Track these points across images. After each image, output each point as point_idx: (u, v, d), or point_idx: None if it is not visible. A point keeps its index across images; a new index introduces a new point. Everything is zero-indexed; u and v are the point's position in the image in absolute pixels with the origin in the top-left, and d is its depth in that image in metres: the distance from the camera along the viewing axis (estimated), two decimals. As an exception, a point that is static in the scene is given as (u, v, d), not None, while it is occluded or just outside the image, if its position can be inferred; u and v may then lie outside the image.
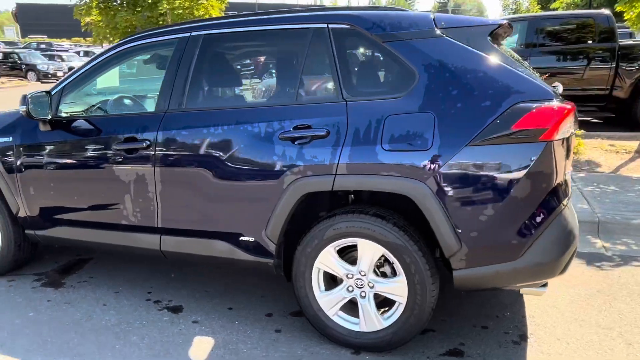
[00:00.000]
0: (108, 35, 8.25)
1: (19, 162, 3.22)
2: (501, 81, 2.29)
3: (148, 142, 2.82)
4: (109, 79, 4.13)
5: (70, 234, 3.23)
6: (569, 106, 2.28)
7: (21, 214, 3.33)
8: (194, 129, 2.74)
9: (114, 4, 7.92)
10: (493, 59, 2.34)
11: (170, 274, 3.55)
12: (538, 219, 2.28)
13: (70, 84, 3.19)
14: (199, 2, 8.11)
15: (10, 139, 3.26)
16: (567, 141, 2.37)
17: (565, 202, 2.37)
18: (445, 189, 2.29)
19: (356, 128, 2.42)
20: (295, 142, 2.51)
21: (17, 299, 3.24)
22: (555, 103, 2.24)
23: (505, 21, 2.51)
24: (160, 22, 8.00)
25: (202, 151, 2.70)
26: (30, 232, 3.37)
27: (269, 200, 2.58)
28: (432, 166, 2.28)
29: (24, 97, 2.95)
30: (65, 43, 43.93)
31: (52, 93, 3.14)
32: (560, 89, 2.82)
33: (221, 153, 2.66)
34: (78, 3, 8.29)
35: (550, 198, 2.29)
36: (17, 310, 3.09)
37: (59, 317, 3.01)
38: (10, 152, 3.25)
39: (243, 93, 3.14)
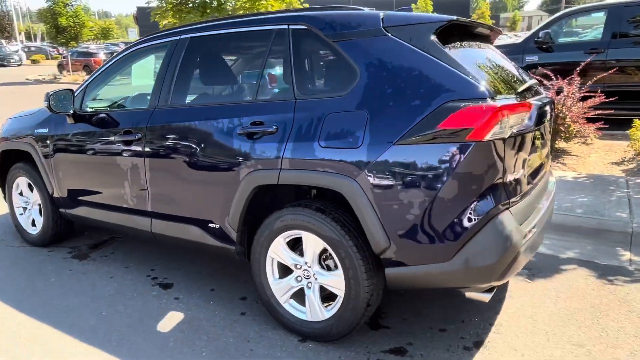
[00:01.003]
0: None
1: (51, 150, 3.77)
2: (434, 80, 2.26)
3: (139, 135, 3.16)
4: (146, 77, 4.59)
5: (88, 214, 3.71)
6: (505, 104, 2.17)
7: (55, 194, 3.89)
8: (173, 123, 3.03)
9: (187, 6, 8.62)
10: (431, 58, 2.29)
11: (178, 257, 3.90)
12: (468, 222, 2.21)
13: (92, 83, 3.66)
14: (260, 2, 8.55)
15: (47, 129, 3.82)
16: (513, 141, 2.26)
17: (506, 204, 2.26)
18: (373, 186, 2.31)
19: (300, 125, 2.52)
20: (250, 138, 2.68)
21: (47, 266, 3.80)
22: (486, 102, 2.15)
23: (456, 18, 2.44)
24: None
25: (179, 143, 2.98)
26: (62, 211, 3.92)
27: (229, 190, 2.78)
28: (361, 163, 2.32)
29: (47, 94, 3.45)
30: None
31: (78, 91, 3.63)
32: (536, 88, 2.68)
33: (193, 146, 2.91)
34: (155, 6, 9.17)
35: (482, 200, 2.21)
36: (43, 275, 3.63)
37: (71, 284, 3.49)
38: (47, 141, 3.81)
39: (215, 91, 3.36)
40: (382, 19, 2.47)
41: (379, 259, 2.43)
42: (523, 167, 2.42)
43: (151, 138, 3.11)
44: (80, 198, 3.73)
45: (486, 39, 3.10)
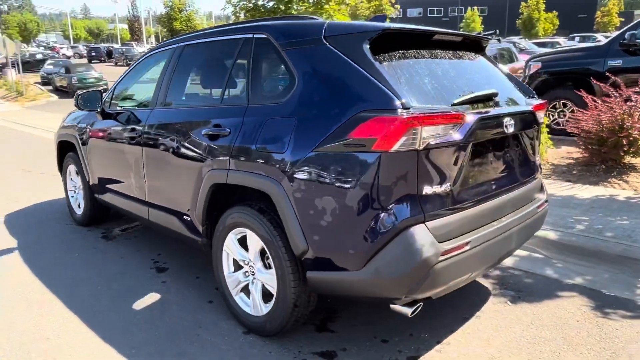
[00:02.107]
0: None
1: (86, 141, 4.33)
2: (354, 89, 2.27)
3: (140, 132, 3.54)
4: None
5: (111, 200, 4.20)
6: (414, 116, 2.11)
7: (90, 181, 4.46)
8: (161, 123, 3.36)
9: (259, 12, 9.12)
10: (356, 67, 2.30)
11: (186, 245, 4.25)
12: (376, 232, 2.20)
13: (119, 85, 4.14)
14: (322, 7, 8.75)
15: (85, 124, 4.39)
16: (433, 153, 2.20)
17: (420, 218, 2.20)
18: (294, 190, 2.39)
19: (246, 129, 2.68)
20: (211, 139, 2.89)
21: (78, 243, 4.38)
22: (394, 113, 2.11)
23: (389, 25, 2.41)
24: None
25: (164, 141, 3.30)
26: (96, 196, 4.48)
27: (196, 186, 3.02)
28: (285, 168, 2.41)
29: (76, 94, 3.98)
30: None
31: (108, 92, 4.14)
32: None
33: (174, 143, 3.20)
34: (230, 14, 9.84)
35: (392, 212, 2.18)
36: (71, 250, 4.19)
37: (89, 260, 3.99)
38: (83, 134, 4.38)
39: (194, 94, 3.60)
40: (325, 28, 2.52)
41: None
42: (455, 180, 2.32)
43: (147, 135, 3.47)
44: (105, 185, 4.24)
45: (471, 46, 2.98)
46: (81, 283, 3.56)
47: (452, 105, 2.35)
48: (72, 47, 51.39)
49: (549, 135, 6.52)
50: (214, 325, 2.96)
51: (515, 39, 32.28)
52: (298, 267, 2.51)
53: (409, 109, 2.14)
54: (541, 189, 3.18)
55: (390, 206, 2.18)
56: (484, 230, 2.49)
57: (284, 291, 2.56)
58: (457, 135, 2.27)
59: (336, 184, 2.26)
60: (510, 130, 2.60)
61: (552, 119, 8.05)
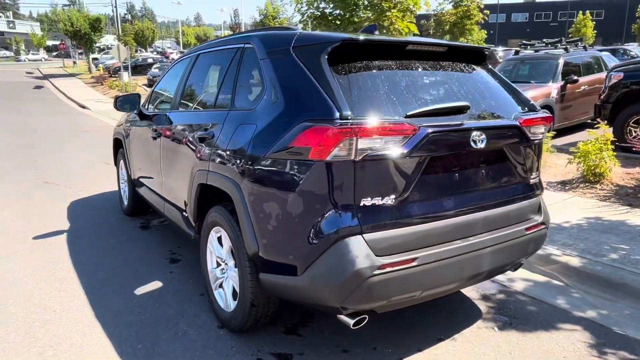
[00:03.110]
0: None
1: (129, 139, 4.79)
2: (303, 99, 2.32)
3: (159, 132, 3.86)
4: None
5: (144, 193, 4.61)
6: (348, 126, 2.10)
7: (132, 175, 4.92)
8: (171, 125, 3.64)
9: (326, 19, 9.32)
10: (309, 77, 2.33)
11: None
12: (313, 240, 2.22)
13: (155, 88, 4.53)
14: (385, 14, 8.66)
15: (129, 124, 4.86)
16: (373, 164, 2.17)
17: (357, 229, 2.18)
18: (248, 194, 2.49)
19: (223, 134, 2.83)
20: (201, 141, 3.09)
21: (117, 230, 4.84)
22: (329, 124, 2.12)
23: (350, 36, 2.41)
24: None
25: (171, 142, 3.58)
26: (136, 189, 4.93)
27: (189, 185, 3.24)
28: (243, 172, 2.53)
29: (116, 97, 4.42)
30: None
31: (147, 94, 4.55)
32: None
33: (177, 144, 3.47)
34: (299, 22, 10.17)
35: (328, 221, 2.19)
36: (109, 237, 4.66)
37: (119, 247, 4.41)
38: (128, 133, 4.85)
39: (198, 99, 3.79)
40: (295, 39, 2.59)
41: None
42: (401, 193, 2.26)
43: (163, 135, 3.77)
44: (140, 180, 4.66)
45: (466, 56, 2.88)
46: (102, 266, 3.95)
47: (405, 117, 2.30)
48: (181, 52, 55.96)
49: (614, 153, 5.91)
50: (194, 316, 3.15)
51: (631, 45, 29.19)
52: (255, 268, 2.60)
53: (347, 119, 2.14)
54: (538, 210, 2.94)
55: (326, 215, 2.19)
56: (440, 248, 2.38)
57: (243, 290, 2.67)
58: (401, 148, 2.21)
59: (279, 190, 2.33)
60: (481, 145, 2.46)
61: (633, 135, 7.26)
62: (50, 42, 63.28)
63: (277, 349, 2.77)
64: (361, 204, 2.20)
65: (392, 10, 8.43)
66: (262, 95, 2.62)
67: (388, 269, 2.22)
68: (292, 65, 2.48)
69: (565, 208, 5.04)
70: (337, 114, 2.15)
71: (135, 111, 4.47)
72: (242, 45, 3.05)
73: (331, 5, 9.13)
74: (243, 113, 2.76)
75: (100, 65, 35.27)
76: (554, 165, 6.83)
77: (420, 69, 2.63)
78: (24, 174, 7.47)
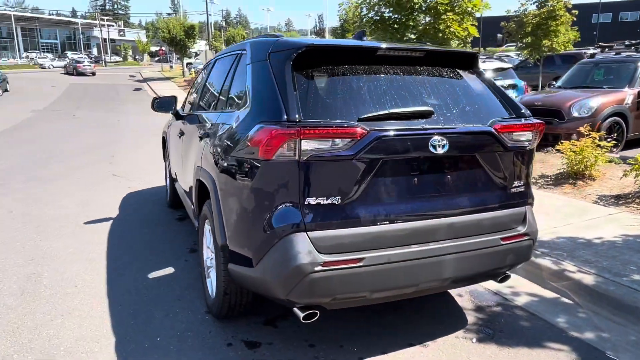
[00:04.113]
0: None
1: (168, 138, 5.24)
2: (264, 102, 2.47)
3: (182, 131, 4.22)
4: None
5: (177, 187, 5.01)
6: (290, 129, 2.22)
7: (170, 171, 5.37)
8: (191, 125, 3.95)
9: (383, 24, 9.32)
10: (272, 82, 2.46)
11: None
12: (262, 234, 2.36)
13: (190, 92, 4.92)
14: (441, 17, 8.41)
15: (170, 124, 5.30)
16: (318, 165, 2.26)
17: (301, 226, 2.28)
18: (219, 189, 2.69)
19: (213, 134, 3.06)
20: (200, 140, 3.35)
21: (156, 221, 5.30)
22: (276, 125, 2.25)
23: (313, 42, 2.50)
24: (411, 36, 8.86)
25: (186, 140, 3.89)
26: (174, 183, 5.37)
27: (192, 180, 3.53)
28: (218, 168, 2.73)
29: (153, 99, 4.85)
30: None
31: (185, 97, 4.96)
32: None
33: (188, 142, 3.78)
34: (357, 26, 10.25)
35: (275, 217, 2.31)
36: (145, 227, 5.11)
37: (151, 235, 4.83)
38: (168, 132, 5.30)
39: (205, 102, 4.02)
40: (272, 45, 2.74)
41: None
42: (348, 194, 2.32)
43: (184, 135, 4.12)
44: (173, 175, 5.07)
45: (449, 61, 2.87)
46: (129, 252, 4.38)
47: (358, 120, 2.36)
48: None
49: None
50: (190, 301, 3.42)
51: None
52: (225, 258, 2.79)
53: (293, 121, 2.25)
54: (523, 220, 2.82)
55: (274, 212, 2.32)
56: (392, 251, 2.41)
57: (218, 278, 2.87)
58: (348, 150, 2.28)
59: (239, 187, 2.50)
60: (441, 150, 2.44)
61: None
62: (153, 48, 68.89)
63: (250, 337, 2.94)
64: (306, 203, 2.30)
65: (448, 14, 8.24)
66: (244, 98, 2.81)
67: (331, 267, 2.30)
68: (264, 71, 2.64)
69: (605, 223, 4.66)
70: (285, 117, 2.27)
71: (172, 112, 4.88)
72: (240, 51, 3.26)
73: (390, 10, 9.15)
74: (229, 114, 2.97)
75: (193, 69, 37.80)
76: (614, 178, 6.30)
77: (390, 74, 2.66)
78: (99, 167, 8.35)
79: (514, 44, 19.52)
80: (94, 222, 5.24)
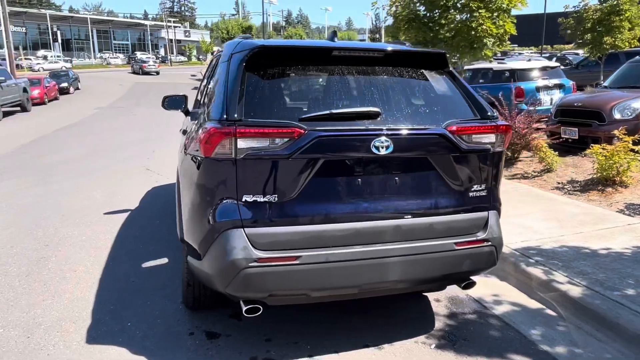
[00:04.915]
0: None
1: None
2: (215, 102, 2.56)
3: (186, 130, 4.41)
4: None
5: (186, 182, 5.24)
6: (225, 128, 2.29)
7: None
8: (186, 122, 4.13)
9: (415, 23, 9.12)
10: (225, 82, 2.55)
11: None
12: (205, 229, 2.46)
13: (199, 90, 5.12)
14: (473, 14, 8.07)
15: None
16: (254, 163, 2.33)
17: (237, 222, 2.35)
18: (179, 183, 2.82)
19: (185, 129, 3.20)
20: (183, 134, 3.51)
21: (170, 214, 5.56)
22: (215, 125, 2.33)
23: (264, 43, 2.56)
24: (441, 35, 8.58)
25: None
26: (187, 178, 5.61)
27: None
28: (181, 164, 2.87)
29: (164, 97, 5.08)
30: (526, 51, 46.01)
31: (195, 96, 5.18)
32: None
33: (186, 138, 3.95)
34: (390, 25, 10.04)
35: (216, 213, 2.40)
36: (158, 219, 5.38)
37: (158, 227, 5.08)
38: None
39: (202, 99, 4.12)
40: (235, 46, 2.84)
41: None
42: (285, 193, 2.36)
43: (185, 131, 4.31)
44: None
45: (416, 61, 2.83)
46: (135, 241, 4.64)
47: (299, 120, 2.39)
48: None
49: None
50: (171, 291, 3.58)
51: None
52: (185, 251, 2.91)
53: (232, 121, 2.33)
54: (484, 225, 2.72)
55: (215, 208, 2.41)
56: (331, 250, 2.42)
57: (182, 271, 3.01)
58: (285, 150, 2.32)
59: (189, 182, 2.62)
60: (385, 152, 2.42)
61: None
62: (216, 48, 71.48)
63: (213, 328, 3.05)
64: (243, 200, 2.37)
65: (480, 11, 7.94)
66: (211, 96, 2.92)
67: (266, 263, 2.35)
68: (224, 71, 2.74)
69: (620, 233, 4.36)
70: (225, 116, 2.35)
71: (182, 110, 5.10)
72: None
73: (423, 8, 8.96)
74: (198, 113, 3.10)
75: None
76: (651, 185, 5.85)
77: (344, 75, 2.66)
78: (137, 161, 8.83)
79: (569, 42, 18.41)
80: (113, 213, 5.58)
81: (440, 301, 3.45)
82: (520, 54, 38.83)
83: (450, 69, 2.92)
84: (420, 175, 2.58)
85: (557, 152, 6.97)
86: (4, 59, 25.55)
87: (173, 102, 4.79)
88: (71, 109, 19.19)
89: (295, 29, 69.26)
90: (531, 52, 42.46)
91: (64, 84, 25.43)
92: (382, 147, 2.42)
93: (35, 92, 20.10)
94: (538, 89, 10.41)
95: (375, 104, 2.58)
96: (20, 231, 4.92)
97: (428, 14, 9.10)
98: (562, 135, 7.92)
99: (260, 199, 2.37)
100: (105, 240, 4.64)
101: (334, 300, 3.17)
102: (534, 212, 5.04)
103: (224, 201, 2.39)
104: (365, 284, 2.55)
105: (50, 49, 54.26)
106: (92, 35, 64.14)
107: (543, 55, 32.65)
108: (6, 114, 16.41)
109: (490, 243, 2.71)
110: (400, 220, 2.53)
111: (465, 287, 2.88)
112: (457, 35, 8.51)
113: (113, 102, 22.02)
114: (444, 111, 2.70)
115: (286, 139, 2.33)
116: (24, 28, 56.56)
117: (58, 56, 50.62)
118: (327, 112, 2.44)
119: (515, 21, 8.56)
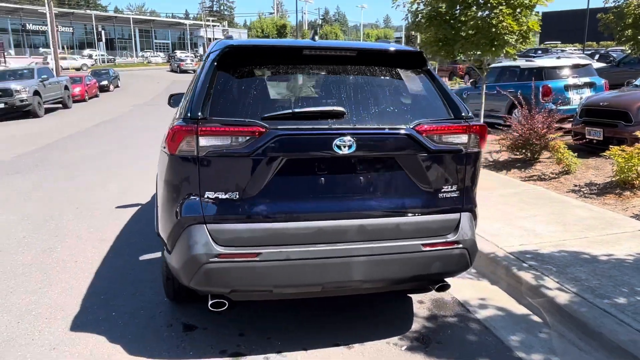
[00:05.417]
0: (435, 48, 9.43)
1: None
2: (186, 101, 2.62)
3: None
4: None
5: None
6: (187, 126, 2.35)
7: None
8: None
9: (441, 20, 8.93)
10: (199, 80, 2.58)
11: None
12: (172, 223, 2.52)
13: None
14: (494, 11, 7.79)
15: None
16: (217, 161, 2.37)
17: (200, 218, 2.41)
18: (157, 178, 2.90)
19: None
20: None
21: (177, 208, 5.72)
22: (179, 123, 2.39)
23: (232, 43, 2.59)
24: (462, 32, 8.36)
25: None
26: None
27: None
28: (159, 160, 2.95)
29: (170, 95, 5.22)
30: (570, 48, 44.26)
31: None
32: None
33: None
34: (410, 22, 9.86)
35: (182, 208, 2.46)
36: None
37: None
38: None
39: None
40: (213, 45, 2.89)
41: None
42: (246, 190, 2.40)
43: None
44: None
45: (391, 60, 2.81)
46: (137, 235, 4.80)
47: (262, 119, 2.42)
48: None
49: None
50: (160, 284, 3.67)
51: None
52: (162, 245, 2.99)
53: (195, 119, 2.38)
54: (455, 227, 2.67)
55: (181, 203, 2.47)
56: (293, 248, 2.44)
57: (162, 264, 3.10)
58: (246, 148, 2.35)
59: (160, 178, 2.69)
60: (347, 151, 2.41)
61: None
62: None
63: (192, 320, 3.13)
64: (206, 196, 2.42)
65: (501, 7, 7.69)
66: (187, 94, 3.00)
67: (227, 259, 2.40)
68: (199, 70, 2.80)
69: (627, 239, 4.17)
70: (189, 114, 2.41)
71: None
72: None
73: (444, 5, 8.77)
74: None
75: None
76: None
77: (314, 74, 2.68)
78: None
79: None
80: (124, 206, 5.79)
81: (423, 303, 3.41)
82: (562, 50, 37.41)
83: (429, 67, 2.87)
84: (387, 175, 2.56)
85: (576, 154, 6.71)
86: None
87: (177, 100, 4.92)
88: (109, 106, 19.92)
89: (331, 27, 69.31)
90: (575, 49, 40.81)
91: (104, 82, 26.41)
92: (344, 147, 2.42)
93: (77, 90, 21.02)
94: (567, 88, 10.03)
95: (342, 103, 2.57)
96: (35, 222, 5.18)
97: (450, 11, 8.92)
98: (587, 136, 7.62)
99: (222, 196, 2.42)
100: (111, 233, 4.82)
101: (312, 298, 3.22)
102: (540, 214, 4.88)
103: (189, 197, 2.45)
104: (328, 283, 2.55)
105: (95, 48, 56.44)
106: (135, 35, 66.27)
107: (586, 52, 31.29)
108: (48, 110, 17.21)
109: (461, 245, 2.65)
110: (365, 220, 2.52)
111: (439, 290, 2.84)
112: (478, 33, 8.29)
113: (149, 100, 22.67)
114: (416, 111, 2.67)
115: (247, 138, 2.37)
116: (71, 28, 59.19)
117: (102, 54, 52.60)
118: (290, 111, 2.46)
119: (539, 17, 8.27)
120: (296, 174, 2.46)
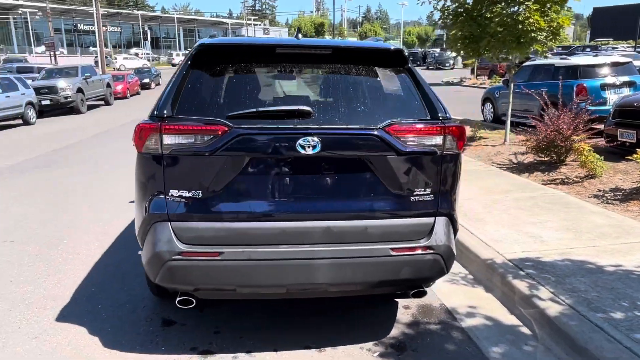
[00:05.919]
0: (459, 46, 9.13)
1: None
2: (157, 98, 2.63)
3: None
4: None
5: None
6: (152, 124, 2.36)
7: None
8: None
9: (468, 17, 8.64)
10: (175, 78, 2.60)
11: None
12: (142, 222, 2.55)
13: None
14: (520, 7, 7.40)
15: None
16: (180, 159, 2.38)
17: (164, 216, 2.42)
18: (135, 177, 2.94)
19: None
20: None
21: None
22: (145, 121, 2.41)
23: (205, 41, 2.59)
24: (489, 29, 8.05)
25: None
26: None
27: None
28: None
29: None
30: (622, 45, 42.05)
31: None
32: None
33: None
34: (433, 19, 9.60)
35: (149, 205, 2.48)
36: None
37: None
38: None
39: None
40: (197, 45, 2.90)
41: None
42: (209, 189, 2.39)
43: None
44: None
45: (372, 58, 2.74)
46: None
47: (227, 117, 2.41)
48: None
49: None
50: (153, 278, 3.77)
51: None
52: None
53: (161, 117, 2.40)
54: (429, 232, 2.57)
55: (149, 201, 2.50)
56: (255, 248, 2.42)
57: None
58: (210, 146, 2.35)
59: (134, 175, 2.72)
60: (311, 151, 2.36)
61: None
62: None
63: (172, 316, 3.17)
64: (170, 194, 2.43)
65: (528, 2, 7.32)
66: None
67: (189, 257, 2.41)
68: (177, 69, 2.82)
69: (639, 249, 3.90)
70: (156, 112, 2.43)
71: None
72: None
73: (471, 1, 8.50)
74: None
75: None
76: None
77: (286, 72, 2.64)
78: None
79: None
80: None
81: (409, 308, 3.31)
82: (614, 48, 35.48)
83: (410, 66, 2.78)
84: (355, 177, 2.49)
85: (602, 157, 6.35)
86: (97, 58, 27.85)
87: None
88: (147, 102, 20.54)
89: (371, 25, 68.84)
90: (627, 47, 38.66)
91: (146, 80, 27.33)
92: (309, 147, 2.37)
93: (119, 87, 21.84)
94: (604, 87, 9.51)
95: (311, 102, 2.53)
96: (49, 215, 5.41)
97: (476, 7, 8.63)
98: (619, 138, 7.19)
99: (186, 194, 2.43)
100: (116, 228, 4.96)
101: (294, 299, 3.20)
102: (552, 220, 4.64)
103: (155, 195, 2.47)
104: (291, 285, 2.51)
105: (142, 47, 58.38)
106: (179, 34, 68.06)
107: (638, 49, 29.56)
108: (90, 107, 17.96)
109: (433, 251, 2.55)
110: (331, 222, 2.47)
111: (415, 296, 2.75)
112: (505, 30, 7.99)
113: (186, 97, 23.25)
114: (391, 111, 2.59)
115: (210, 136, 2.36)
116: (119, 28, 61.51)
117: (147, 53, 54.37)
118: (254, 110, 2.43)
119: (569, 13, 7.87)
120: (260, 174, 2.44)
